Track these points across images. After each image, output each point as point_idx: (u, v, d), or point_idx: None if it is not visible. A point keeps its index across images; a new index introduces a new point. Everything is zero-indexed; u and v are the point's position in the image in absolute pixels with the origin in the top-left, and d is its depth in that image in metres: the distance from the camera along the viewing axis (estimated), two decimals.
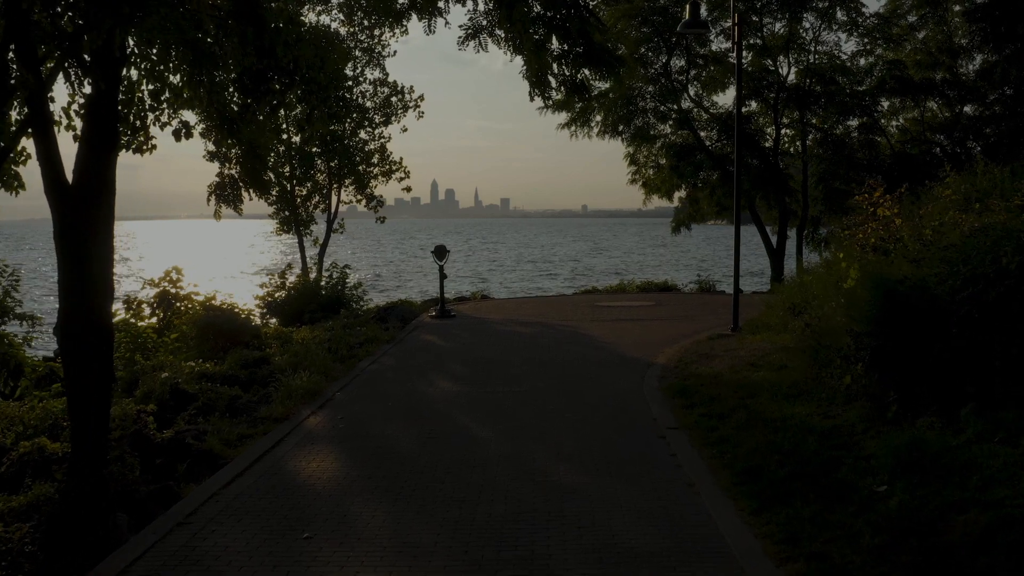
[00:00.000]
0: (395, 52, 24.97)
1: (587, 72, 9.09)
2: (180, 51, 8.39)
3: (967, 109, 27.93)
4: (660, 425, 8.65)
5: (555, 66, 8.84)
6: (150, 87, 9.04)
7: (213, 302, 16.98)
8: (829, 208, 27.80)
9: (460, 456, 7.72)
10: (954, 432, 6.57)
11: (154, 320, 16.96)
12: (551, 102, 9.07)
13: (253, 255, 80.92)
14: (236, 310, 16.81)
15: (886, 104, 28.44)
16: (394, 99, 24.71)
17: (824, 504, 5.96)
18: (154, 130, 8.82)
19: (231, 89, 9.04)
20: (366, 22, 24.52)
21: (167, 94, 9.01)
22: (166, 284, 19.16)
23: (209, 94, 8.25)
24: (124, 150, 9.30)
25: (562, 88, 9.27)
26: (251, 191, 9.38)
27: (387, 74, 24.72)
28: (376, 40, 24.18)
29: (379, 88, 24.57)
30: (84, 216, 6.89)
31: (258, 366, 12.12)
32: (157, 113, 9.83)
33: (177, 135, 9.70)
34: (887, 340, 7.46)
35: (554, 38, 8.64)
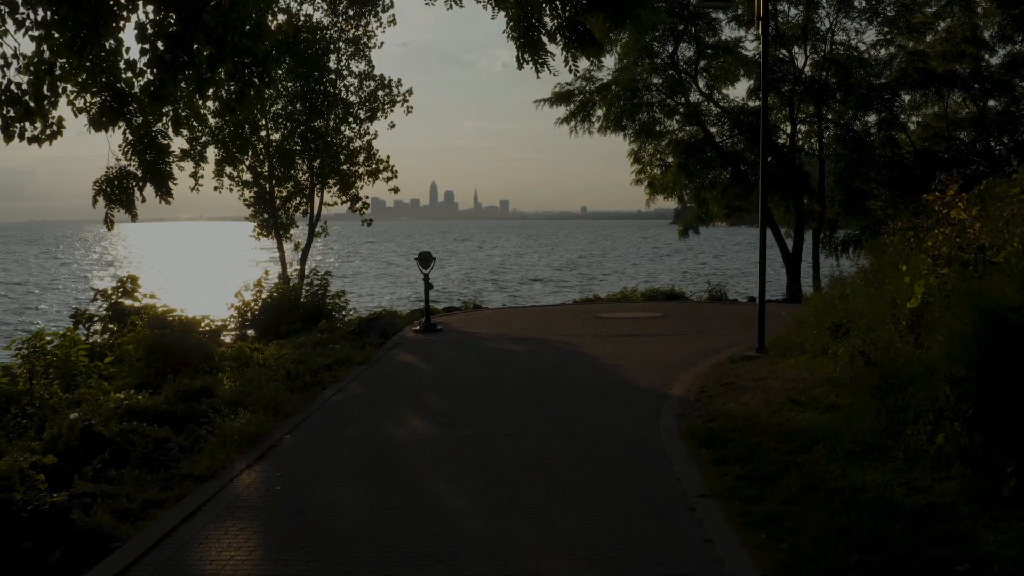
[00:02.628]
0: (382, 44, 22.92)
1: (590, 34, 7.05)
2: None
3: (992, 103, 26.06)
4: (686, 490, 6.70)
5: (547, 8, 6.85)
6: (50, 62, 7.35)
7: (168, 316, 15.04)
8: (847, 210, 25.94)
9: (422, 542, 5.77)
10: None
11: (95, 339, 14.98)
12: (547, 70, 7.22)
13: (249, 257, 78.88)
14: (202, 325, 14.90)
15: (907, 98, 26.59)
16: (380, 93, 22.82)
17: None
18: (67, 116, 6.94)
19: (138, 60, 7.23)
20: (350, 11, 22.74)
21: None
22: (119, 295, 17.29)
23: (91, 63, 6.38)
24: (16, 139, 7.59)
25: (558, 38, 7.18)
26: (153, 188, 7.53)
27: (373, 67, 22.75)
28: (362, 31, 22.39)
29: (364, 82, 22.68)
30: None
31: (198, 399, 10.17)
32: (71, 95, 8.06)
33: (95, 122, 7.88)
34: (997, 387, 5.53)
35: None
